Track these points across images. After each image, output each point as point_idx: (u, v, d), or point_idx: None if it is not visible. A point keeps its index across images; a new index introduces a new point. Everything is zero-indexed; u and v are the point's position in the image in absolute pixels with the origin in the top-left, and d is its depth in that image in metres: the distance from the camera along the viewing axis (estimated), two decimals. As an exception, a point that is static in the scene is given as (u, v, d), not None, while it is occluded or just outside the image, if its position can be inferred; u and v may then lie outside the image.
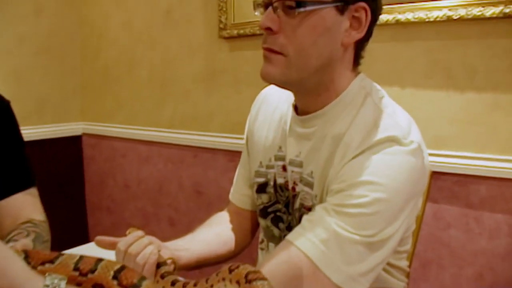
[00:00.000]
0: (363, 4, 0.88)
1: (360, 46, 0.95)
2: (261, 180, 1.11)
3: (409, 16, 1.61)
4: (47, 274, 0.54)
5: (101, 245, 0.93)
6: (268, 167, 1.09)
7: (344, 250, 0.78)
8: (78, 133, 2.96)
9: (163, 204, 2.54)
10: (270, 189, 1.09)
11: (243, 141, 1.24)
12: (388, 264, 0.96)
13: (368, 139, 0.85)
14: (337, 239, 0.78)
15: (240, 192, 1.24)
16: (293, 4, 0.85)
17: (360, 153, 0.85)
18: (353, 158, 0.85)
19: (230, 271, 0.69)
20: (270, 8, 0.88)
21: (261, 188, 1.11)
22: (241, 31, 2.06)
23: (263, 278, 0.65)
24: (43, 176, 2.91)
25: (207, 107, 2.31)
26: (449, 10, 1.54)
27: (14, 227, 1.10)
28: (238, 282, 0.66)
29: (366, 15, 0.89)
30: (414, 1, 1.62)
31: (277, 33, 0.88)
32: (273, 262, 0.79)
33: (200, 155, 2.34)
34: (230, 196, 1.27)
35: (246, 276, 0.65)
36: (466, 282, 1.62)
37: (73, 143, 2.95)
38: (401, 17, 1.62)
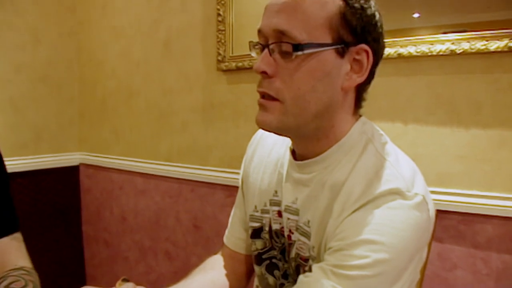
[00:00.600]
0: (364, 46, 0.84)
1: (361, 89, 0.91)
2: (256, 225, 1.06)
3: (412, 50, 1.57)
4: None
5: None
6: (263, 211, 1.04)
7: None
8: (76, 163, 2.94)
9: (161, 238, 2.48)
10: (265, 235, 1.04)
11: (239, 180, 1.20)
12: None
13: (370, 190, 0.80)
14: None
15: (235, 235, 1.19)
16: (290, 47, 0.80)
17: (361, 206, 0.79)
18: (353, 211, 0.80)
19: None
20: (266, 51, 0.84)
21: (256, 233, 1.06)
22: (240, 64, 2.03)
23: None
24: (39, 207, 2.92)
25: (205, 140, 2.28)
26: (452, 44, 1.50)
27: (2, 273, 1.05)
28: None
29: (368, 58, 0.85)
30: (416, 35, 1.59)
31: (273, 77, 0.84)
32: None
33: (197, 189, 2.29)
34: (225, 239, 1.22)
35: None
36: (474, 326, 1.56)
37: (71, 173, 2.92)
38: (403, 51, 1.59)
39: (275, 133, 0.91)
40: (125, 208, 2.67)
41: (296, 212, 0.93)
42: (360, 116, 0.94)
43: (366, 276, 0.73)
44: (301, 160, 0.94)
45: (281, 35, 0.82)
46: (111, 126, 2.78)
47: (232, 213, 1.22)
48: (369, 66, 0.85)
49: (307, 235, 0.91)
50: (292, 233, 0.95)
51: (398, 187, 0.79)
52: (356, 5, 0.82)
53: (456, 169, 1.56)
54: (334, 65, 0.83)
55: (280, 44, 0.82)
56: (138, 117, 2.60)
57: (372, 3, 0.85)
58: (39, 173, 2.72)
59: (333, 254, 0.78)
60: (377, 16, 0.86)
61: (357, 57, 0.84)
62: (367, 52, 0.84)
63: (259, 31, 0.87)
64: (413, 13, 1.64)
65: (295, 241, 0.95)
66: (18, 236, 1.17)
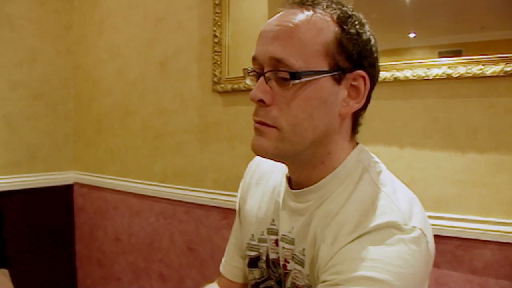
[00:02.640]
0: (361, 72, 0.83)
1: (358, 114, 0.90)
2: (253, 253, 1.04)
3: (408, 73, 1.57)
4: None
5: None
6: (260, 240, 1.02)
7: None
8: (70, 182, 2.91)
9: (154, 259, 2.45)
10: (262, 264, 1.02)
11: (236, 206, 1.17)
12: None
13: (366, 222, 0.77)
14: None
15: (232, 263, 1.16)
16: (287, 75, 0.79)
17: (356, 238, 0.77)
18: (348, 243, 0.77)
19: None
20: (262, 79, 0.82)
21: (253, 263, 1.04)
22: (235, 86, 2.02)
23: None
24: (32, 225, 2.89)
25: (200, 161, 2.26)
26: (449, 68, 1.51)
27: None
28: None
29: (365, 83, 0.84)
30: (411, 55, 1.60)
31: (270, 106, 0.82)
32: None
33: (192, 211, 2.27)
34: (221, 268, 1.19)
35: None
36: None
37: (65, 192, 2.90)
38: (400, 74, 1.59)
39: (271, 159, 0.89)
40: (119, 228, 2.64)
41: (291, 242, 0.91)
42: (357, 143, 0.93)
43: None
44: (297, 188, 0.92)
45: (277, 63, 0.80)
46: (106, 145, 2.76)
47: (229, 242, 1.20)
48: (366, 92, 0.85)
49: (302, 263, 0.89)
50: (288, 262, 0.93)
51: (395, 220, 0.76)
52: (352, 30, 0.81)
53: (453, 194, 1.55)
54: (331, 92, 0.82)
55: (277, 72, 0.81)
56: (134, 136, 2.59)
57: (367, 27, 0.85)
58: (33, 191, 2.70)
59: (326, 286, 0.75)
60: (372, 40, 0.85)
61: (354, 83, 0.83)
62: (363, 77, 0.83)
63: (254, 58, 0.85)
64: (409, 33, 1.65)
65: (290, 270, 0.92)
66: (5, 272, 1.15)
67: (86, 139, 2.90)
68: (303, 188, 0.90)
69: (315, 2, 0.83)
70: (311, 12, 0.82)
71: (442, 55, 1.56)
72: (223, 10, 2.08)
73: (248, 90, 1.92)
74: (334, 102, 0.83)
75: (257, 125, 0.85)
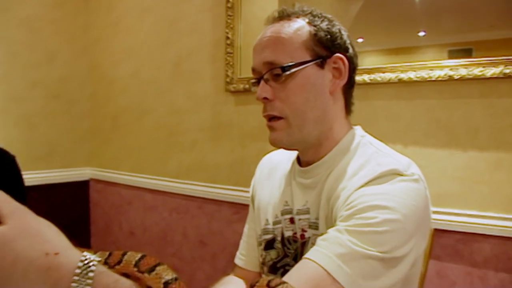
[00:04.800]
0: (338, 55, 1.01)
1: (347, 92, 1.06)
2: (269, 237, 1.13)
3: (411, 75, 1.64)
4: (85, 252, 0.57)
5: None
6: (275, 223, 1.12)
7: (359, 264, 0.80)
8: (86, 178, 3.00)
9: (168, 253, 2.53)
10: (278, 244, 1.11)
11: (249, 200, 1.28)
12: None
13: (372, 172, 0.91)
14: (352, 253, 0.80)
15: (248, 253, 1.25)
16: (279, 71, 0.97)
17: (365, 183, 0.90)
18: (359, 187, 0.90)
19: (251, 286, 0.73)
20: (262, 81, 1.01)
21: (269, 245, 1.13)
22: (247, 86, 2.10)
23: (283, 282, 0.69)
24: (49, 220, 2.94)
25: (213, 158, 2.34)
26: (450, 70, 1.57)
27: None
28: None
29: (344, 63, 1.01)
30: (416, 61, 1.66)
31: (273, 100, 1.00)
32: (294, 279, 0.78)
33: (205, 206, 2.35)
34: (238, 261, 1.27)
35: (268, 283, 0.70)
36: None
37: (81, 188, 2.99)
38: (404, 76, 1.66)
39: (285, 148, 1.07)
40: (134, 223, 2.73)
41: (307, 212, 1.04)
42: (356, 125, 1.09)
43: (377, 232, 0.82)
44: (306, 166, 1.07)
45: (270, 65, 0.99)
46: (122, 142, 2.85)
47: (243, 234, 1.29)
48: (347, 70, 1.02)
49: (317, 227, 1.01)
50: (305, 231, 1.04)
51: (397, 168, 0.91)
52: (323, 26, 1.01)
53: (454, 190, 1.62)
54: (318, 76, 1.00)
55: (272, 71, 0.99)
56: (148, 135, 2.67)
57: (336, 23, 1.04)
58: (51, 187, 2.80)
59: (345, 219, 0.86)
60: (343, 31, 1.04)
61: (334, 65, 1.01)
62: (341, 59, 1.01)
63: (253, 70, 1.04)
64: (419, 32, 1.71)
65: (309, 237, 1.03)
66: None
67: (102, 136, 2.99)
68: (311, 165, 1.06)
69: (290, 14, 1.04)
70: (288, 22, 1.02)
71: (451, 54, 1.63)
72: (235, 12, 2.16)
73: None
74: (322, 84, 1.01)
75: (269, 123, 1.03)
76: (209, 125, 2.35)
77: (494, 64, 1.51)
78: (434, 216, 1.50)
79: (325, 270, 0.78)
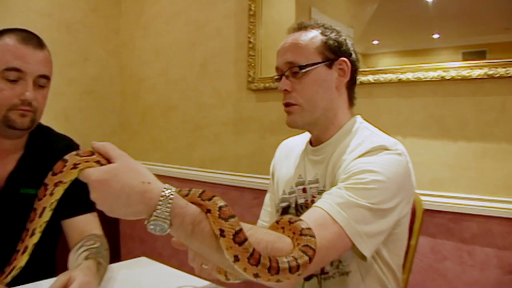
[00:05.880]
0: (343, 58, 1.25)
1: (350, 87, 1.31)
2: (285, 204, 1.37)
3: (409, 76, 1.82)
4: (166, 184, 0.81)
5: None
6: (290, 193, 1.37)
7: (353, 210, 1.03)
8: (116, 169, 3.21)
9: (193, 236, 2.70)
10: (292, 210, 1.35)
11: (268, 186, 1.53)
12: (384, 263, 1.20)
13: (365, 148, 1.15)
14: (348, 203, 1.04)
15: (269, 221, 1.48)
16: (297, 69, 1.23)
17: (360, 155, 1.15)
18: (355, 158, 1.14)
19: (290, 222, 0.93)
20: (283, 77, 1.26)
21: (285, 211, 1.37)
22: (267, 85, 2.29)
23: (313, 235, 0.88)
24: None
25: (235, 149, 2.51)
26: (443, 71, 1.75)
27: (81, 238, 1.39)
28: (293, 233, 0.90)
29: (347, 65, 1.26)
30: (413, 63, 1.83)
31: (291, 92, 1.25)
32: (306, 219, 0.98)
33: (228, 192, 2.51)
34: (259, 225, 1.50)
35: (301, 230, 0.90)
36: (461, 310, 1.73)
37: (112, 178, 3.20)
38: (403, 76, 1.84)
39: (300, 128, 1.31)
40: (161, 209, 2.90)
41: (317, 181, 1.28)
42: (358, 115, 1.33)
43: (367, 188, 1.06)
44: (317, 145, 1.31)
45: (290, 64, 1.24)
46: (150, 136, 3.04)
47: (265, 205, 1.52)
48: (349, 70, 1.26)
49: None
50: (315, 197, 1.28)
51: (384, 144, 1.14)
52: (332, 36, 1.25)
53: (445, 175, 1.78)
54: (327, 74, 1.25)
55: (291, 69, 1.24)
56: (175, 128, 2.85)
57: (342, 33, 1.28)
58: (83, 178, 3.01)
59: (343, 180, 1.10)
60: (347, 40, 1.28)
61: (340, 66, 1.25)
62: (346, 62, 1.25)
63: (277, 68, 1.29)
64: (433, 34, 1.82)
65: None
66: (95, 214, 1.50)
67: (131, 130, 3.19)
68: (320, 144, 1.30)
69: (307, 25, 1.27)
70: (305, 31, 1.26)
71: (466, 56, 1.74)
72: (257, 19, 2.35)
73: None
74: (330, 80, 1.25)
75: (287, 108, 1.27)
76: (231, 119, 2.52)
77: (480, 66, 1.67)
78: (428, 198, 1.72)
79: (328, 214, 1.02)
